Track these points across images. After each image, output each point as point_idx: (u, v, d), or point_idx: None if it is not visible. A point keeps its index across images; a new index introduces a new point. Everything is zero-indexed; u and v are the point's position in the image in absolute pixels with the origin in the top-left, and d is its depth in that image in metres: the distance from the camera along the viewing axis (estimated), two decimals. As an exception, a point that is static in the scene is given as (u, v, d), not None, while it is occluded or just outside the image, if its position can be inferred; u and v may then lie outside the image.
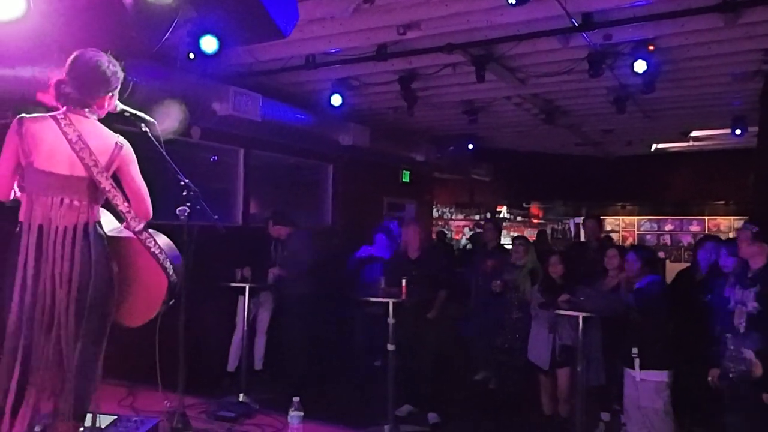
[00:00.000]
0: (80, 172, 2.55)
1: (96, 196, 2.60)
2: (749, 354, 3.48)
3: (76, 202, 2.53)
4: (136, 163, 2.71)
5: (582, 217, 14.81)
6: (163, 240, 2.78)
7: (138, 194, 2.69)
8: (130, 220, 2.63)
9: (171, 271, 2.69)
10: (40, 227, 2.49)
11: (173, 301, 2.76)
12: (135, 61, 4.99)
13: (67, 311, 2.46)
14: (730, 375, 3.60)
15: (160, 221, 2.83)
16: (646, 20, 4.94)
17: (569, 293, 4.75)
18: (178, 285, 2.74)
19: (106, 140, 2.62)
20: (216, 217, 3.05)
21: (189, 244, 2.92)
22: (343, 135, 8.11)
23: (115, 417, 3.12)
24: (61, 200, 2.52)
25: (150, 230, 2.73)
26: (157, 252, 2.68)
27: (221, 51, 4.86)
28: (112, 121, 2.71)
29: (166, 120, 4.98)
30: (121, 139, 2.68)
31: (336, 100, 6.91)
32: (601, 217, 14.52)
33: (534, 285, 5.61)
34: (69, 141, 2.55)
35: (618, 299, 4.68)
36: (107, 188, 2.57)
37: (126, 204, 2.62)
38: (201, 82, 5.83)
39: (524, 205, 15.45)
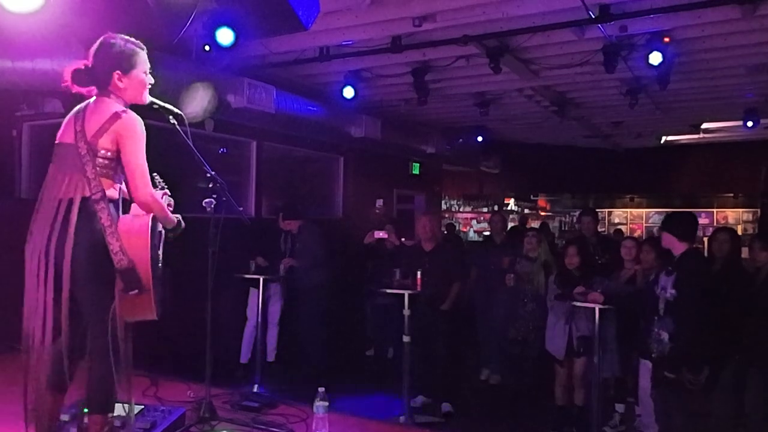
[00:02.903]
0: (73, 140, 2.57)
1: (95, 168, 2.53)
2: (665, 336, 3.79)
3: (72, 171, 2.52)
4: (139, 139, 2.57)
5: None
6: (132, 221, 2.56)
7: (128, 170, 2.56)
8: (92, 187, 2.48)
9: (116, 249, 2.43)
10: (41, 197, 2.57)
11: (136, 291, 2.45)
12: (152, 53, 5.02)
13: (45, 283, 2.44)
14: (653, 355, 3.89)
15: (188, 213, 2.85)
16: (664, 12, 4.92)
17: (585, 285, 4.76)
18: (132, 272, 2.44)
19: (106, 110, 2.58)
20: (241, 208, 3.06)
21: (216, 235, 2.92)
22: (355, 127, 8.12)
23: (142, 407, 3.15)
24: (59, 168, 2.56)
25: (108, 205, 2.49)
26: (105, 224, 2.45)
27: (237, 43, 4.87)
28: (142, 113, 2.72)
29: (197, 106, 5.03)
30: (126, 111, 2.60)
31: (348, 92, 6.92)
32: (606, 210, 14.59)
33: (547, 277, 5.61)
34: (75, 114, 2.63)
35: (634, 290, 4.69)
36: (83, 153, 2.50)
37: (93, 170, 2.49)
38: (215, 74, 5.83)
39: (532, 197, 15.44)
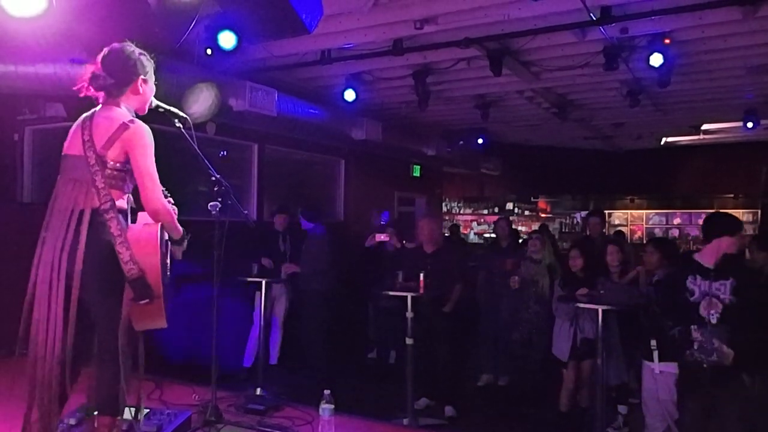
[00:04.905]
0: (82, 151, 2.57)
1: (104, 179, 2.53)
2: (719, 344, 3.52)
3: (81, 182, 2.53)
4: (148, 148, 2.58)
5: (587, 211, 14.84)
6: (141, 230, 2.56)
7: (139, 179, 2.56)
8: (102, 197, 2.49)
9: (126, 258, 2.43)
10: (52, 208, 2.57)
11: (146, 300, 2.45)
12: (155, 57, 5.02)
13: (57, 292, 2.45)
14: (704, 366, 3.58)
15: (191, 217, 2.85)
16: (665, 13, 4.94)
17: (590, 287, 4.75)
18: (143, 281, 2.44)
19: (114, 120, 2.59)
20: (246, 212, 3.06)
21: (221, 239, 2.92)
22: (356, 130, 8.14)
23: (147, 410, 3.15)
24: (69, 179, 2.57)
25: (117, 215, 2.49)
26: (115, 234, 2.46)
27: (239, 47, 4.88)
28: (147, 117, 2.73)
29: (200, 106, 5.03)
30: (134, 121, 2.61)
31: (350, 95, 6.93)
32: (606, 212, 14.60)
33: (552, 280, 5.60)
34: (81, 123, 2.63)
35: (638, 292, 4.69)
36: (92, 163, 2.51)
37: (103, 181, 2.50)
38: (218, 77, 5.84)
39: (532, 199, 15.45)
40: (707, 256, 3.71)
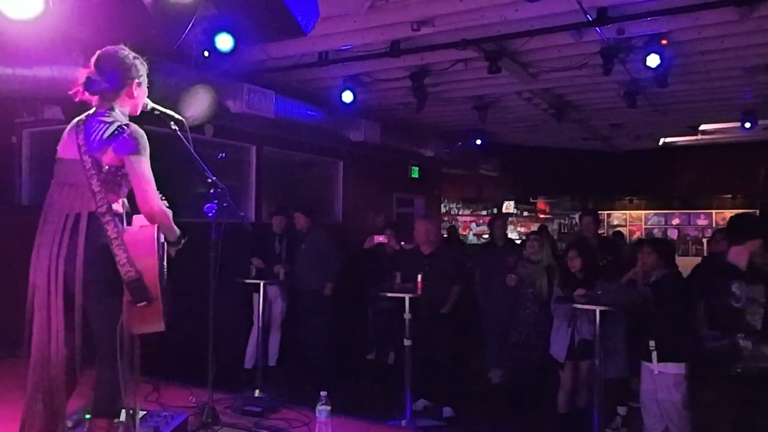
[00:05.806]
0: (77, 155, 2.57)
1: (100, 182, 2.53)
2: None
3: (77, 186, 2.54)
4: (144, 151, 2.57)
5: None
6: (138, 232, 2.56)
7: (135, 182, 2.56)
8: (98, 200, 2.49)
9: (123, 260, 2.42)
10: (46, 212, 2.57)
11: (144, 302, 2.44)
12: (151, 59, 5.03)
13: (56, 297, 2.46)
14: (753, 375, 3.49)
15: (189, 218, 2.85)
16: (661, 14, 4.95)
17: (588, 287, 4.76)
18: (140, 283, 2.43)
19: (109, 125, 2.59)
20: (242, 214, 3.07)
21: (218, 241, 2.93)
22: (354, 131, 8.14)
23: (145, 412, 3.16)
24: (64, 183, 2.57)
25: (114, 218, 2.50)
26: (112, 236, 2.46)
27: (236, 49, 4.90)
28: (143, 119, 2.73)
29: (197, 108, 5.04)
30: (129, 125, 2.61)
31: (347, 96, 6.93)
32: (605, 212, 14.60)
33: (550, 281, 5.61)
34: (75, 126, 2.63)
35: (636, 292, 4.69)
36: (87, 167, 2.51)
37: (99, 184, 2.50)
38: (215, 79, 5.84)
39: (531, 200, 15.46)
40: (741, 259, 3.60)
